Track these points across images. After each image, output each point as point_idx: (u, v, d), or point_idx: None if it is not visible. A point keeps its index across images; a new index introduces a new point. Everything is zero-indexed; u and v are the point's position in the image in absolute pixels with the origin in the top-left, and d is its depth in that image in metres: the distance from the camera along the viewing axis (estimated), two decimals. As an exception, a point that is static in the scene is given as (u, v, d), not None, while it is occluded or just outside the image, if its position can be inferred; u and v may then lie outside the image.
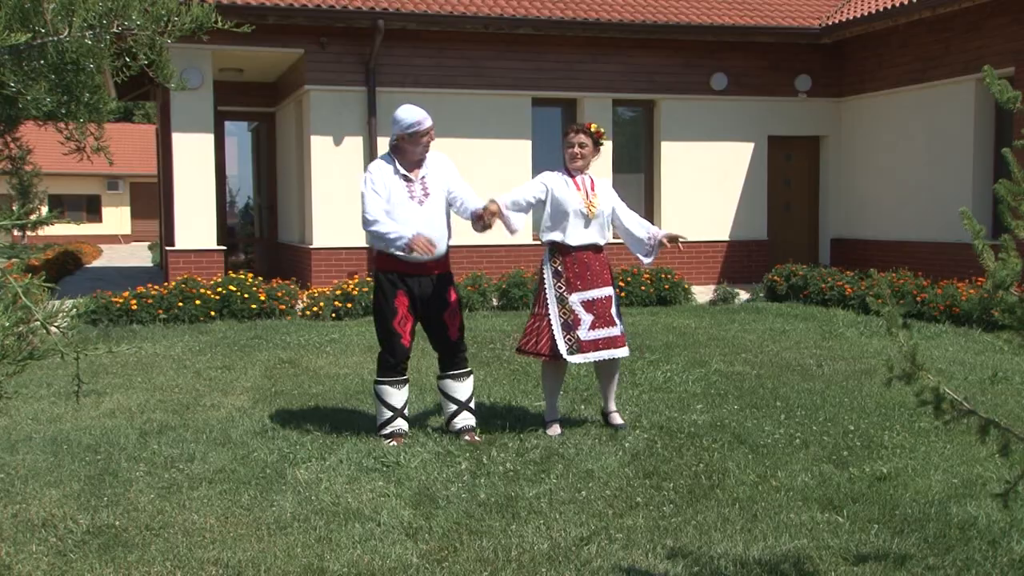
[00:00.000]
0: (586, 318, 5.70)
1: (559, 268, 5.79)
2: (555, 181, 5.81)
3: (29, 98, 3.34)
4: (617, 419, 5.98)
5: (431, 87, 13.89)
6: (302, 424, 6.15)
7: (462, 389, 5.82)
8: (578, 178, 5.81)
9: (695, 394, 7.03)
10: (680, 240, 5.95)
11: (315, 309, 11.61)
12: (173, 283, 11.63)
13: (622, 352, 5.82)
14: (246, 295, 11.42)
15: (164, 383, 7.60)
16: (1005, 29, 12.62)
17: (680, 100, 15.19)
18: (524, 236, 12.77)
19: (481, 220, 5.55)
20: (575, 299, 5.71)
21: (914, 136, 14.32)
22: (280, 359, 8.67)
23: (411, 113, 5.55)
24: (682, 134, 15.23)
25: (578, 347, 5.68)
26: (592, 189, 5.80)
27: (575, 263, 5.76)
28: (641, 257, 6.02)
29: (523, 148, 14.44)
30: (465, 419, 5.79)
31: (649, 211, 15.36)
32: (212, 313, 11.26)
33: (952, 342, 9.50)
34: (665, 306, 12.78)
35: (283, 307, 11.62)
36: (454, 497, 4.63)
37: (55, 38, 2.96)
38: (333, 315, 11.53)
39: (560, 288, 5.76)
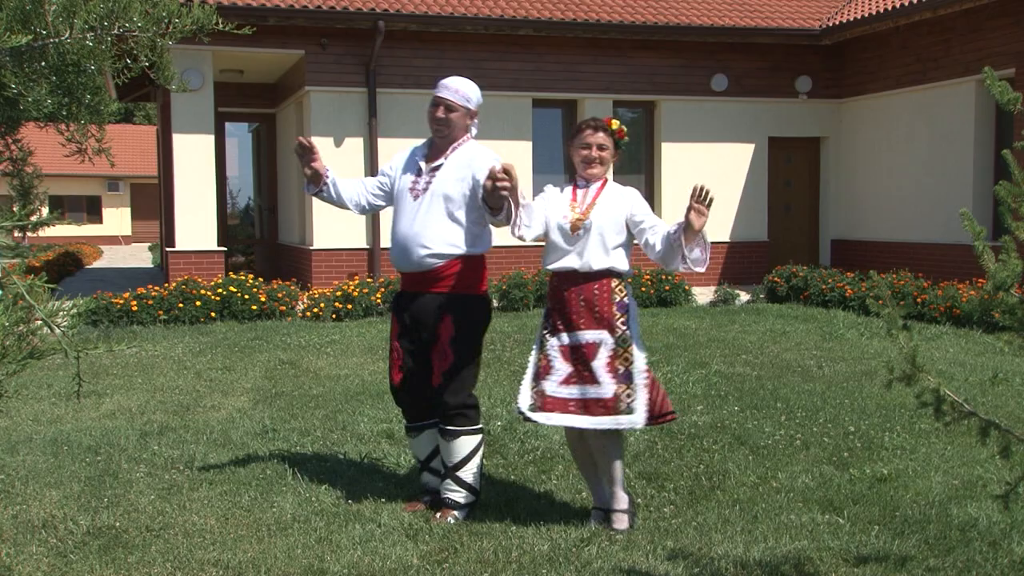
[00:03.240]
0: (560, 368, 4.19)
1: (548, 303, 4.38)
2: (552, 190, 4.43)
3: (30, 100, 3.35)
4: (619, 520, 4.25)
5: (431, 88, 13.81)
6: (302, 425, 6.15)
7: (449, 451, 4.40)
8: (581, 188, 4.35)
9: (695, 395, 7.03)
10: (700, 197, 4.22)
11: (315, 310, 11.61)
12: (173, 284, 11.64)
13: (600, 423, 4.12)
14: (246, 296, 11.42)
15: (164, 384, 7.60)
16: (1006, 30, 12.62)
17: (680, 101, 15.19)
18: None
19: (493, 186, 4.05)
20: (553, 342, 4.24)
21: (914, 137, 14.32)
22: (280, 360, 8.67)
23: (447, 80, 4.59)
24: (682, 135, 15.23)
25: (540, 403, 4.20)
26: (594, 199, 4.29)
27: (555, 295, 4.30)
28: (688, 266, 4.24)
29: (524, 149, 14.43)
30: (447, 489, 4.42)
31: (649, 212, 15.34)
32: (212, 314, 11.27)
33: (952, 343, 9.50)
34: (665, 307, 12.78)
35: (283, 308, 11.62)
36: (454, 498, 4.63)
37: (56, 40, 2.97)
38: (333, 316, 11.53)
39: (545, 328, 4.32)
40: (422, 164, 4.48)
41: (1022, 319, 2.80)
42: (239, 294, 11.42)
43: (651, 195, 15.37)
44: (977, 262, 2.88)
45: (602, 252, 4.22)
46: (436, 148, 4.50)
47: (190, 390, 7.38)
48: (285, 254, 16.42)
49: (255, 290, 11.55)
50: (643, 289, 12.86)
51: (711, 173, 15.34)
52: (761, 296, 13.63)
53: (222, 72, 15.16)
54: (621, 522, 4.23)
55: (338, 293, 11.80)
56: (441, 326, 4.34)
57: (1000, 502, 3.32)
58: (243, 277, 11.88)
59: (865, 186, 15.41)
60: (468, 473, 4.39)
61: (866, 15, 14.29)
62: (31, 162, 4.20)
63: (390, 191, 4.63)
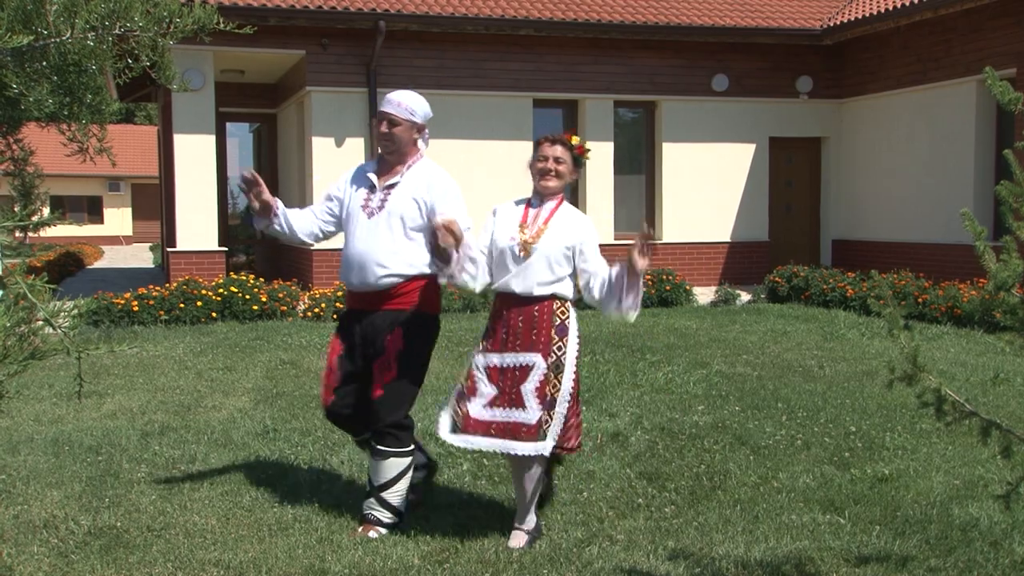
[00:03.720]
0: (485, 389, 4.11)
1: (488, 321, 4.32)
2: (503, 208, 4.33)
3: (31, 100, 3.35)
4: (516, 539, 4.12)
5: (432, 88, 13.88)
6: (303, 425, 6.15)
7: (376, 470, 4.26)
8: (534, 207, 4.24)
9: (696, 395, 7.03)
10: (645, 238, 4.07)
11: (316, 310, 11.61)
12: (174, 284, 11.64)
13: (523, 447, 4.00)
14: (247, 296, 11.42)
15: (165, 384, 7.61)
16: (1007, 30, 12.61)
17: (681, 101, 15.19)
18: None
19: (435, 239, 4.01)
20: (479, 361, 4.17)
21: (915, 137, 14.32)
22: (281, 360, 8.67)
23: (392, 93, 4.37)
24: (683, 135, 15.23)
25: (462, 424, 4.11)
26: (545, 221, 4.18)
27: (497, 315, 4.23)
28: (621, 311, 4.20)
29: (524, 149, 14.40)
30: (370, 507, 4.29)
31: (650, 213, 15.36)
32: (213, 314, 11.27)
33: (953, 343, 9.49)
34: (666, 307, 12.78)
35: (284, 308, 11.62)
36: (455, 498, 4.63)
37: (57, 40, 2.97)
38: (334, 316, 11.53)
39: (477, 347, 4.27)
40: (375, 180, 4.34)
41: (1023, 319, 2.80)
42: (240, 294, 11.42)
43: (652, 195, 15.37)
44: (978, 262, 2.88)
45: (546, 278, 4.13)
46: (387, 164, 4.36)
47: (191, 390, 7.38)
48: (286, 254, 16.42)
49: (256, 290, 11.55)
50: (644, 289, 12.84)
51: (712, 173, 15.36)
52: (762, 296, 13.63)
53: (223, 72, 15.17)
54: (518, 540, 4.12)
55: (339, 293, 11.79)
56: (390, 338, 4.21)
57: (1001, 502, 3.32)
58: (244, 277, 11.89)
59: (866, 186, 15.41)
60: (394, 495, 4.24)
61: (867, 15, 14.29)
62: (32, 162, 4.20)
63: (339, 214, 4.47)
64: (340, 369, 4.33)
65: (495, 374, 4.11)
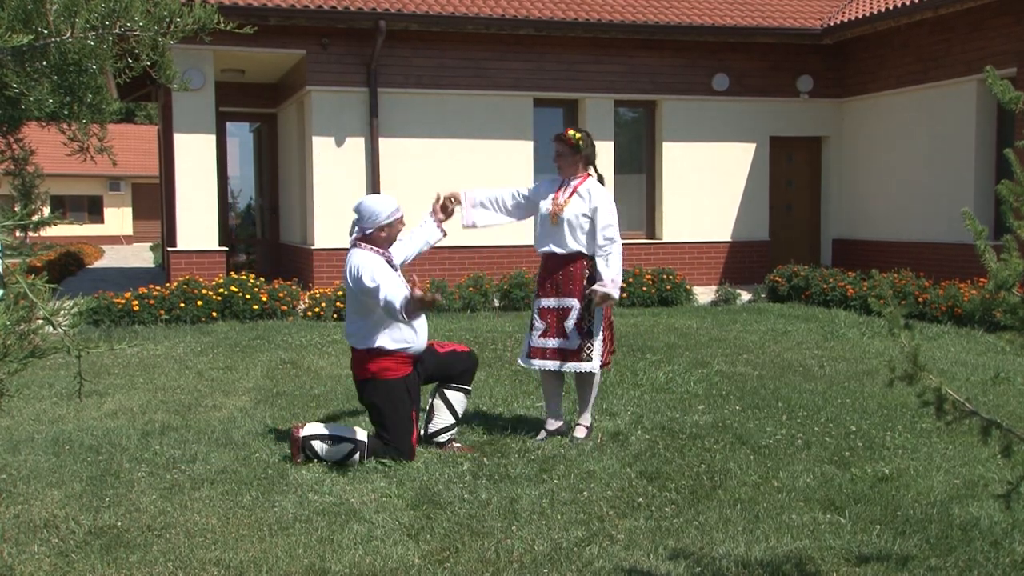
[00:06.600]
0: (539, 324, 5.67)
1: (538, 274, 5.84)
2: (545, 183, 5.88)
3: (32, 99, 3.34)
4: (579, 431, 5.75)
5: (432, 88, 13.89)
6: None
7: (464, 406, 5.72)
8: (565, 184, 5.75)
9: (697, 395, 7.03)
10: (602, 298, 5.58)
11: (316, 310, 11.61)
12: (175, 284, 11.64)
13: (571, 366, 5.59)
14: (248, 296, 11.43)
15: (166, 384, 7.61)
16: (1007, 29, 12.61)
17: (682, 101, 15.19)
18: (526, 236, 12.77)
19: (438, 208, 5.74)
20: (537, 304, 5.74)
21: (916, 137, 14.31)
22: (282, 360, 8.67)
23: (387, 203, 5.31)
24: (684, 135, 15.23)
25: (528, 352, 5.72)
26: (569, 195, 5.67)
27: (542, 268, 5.78)
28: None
29: (525, 149, 14.44)
30: (456, 433, 5.71)
31: (651, 212, 15.37)
32: (214, 314, 11.27)
33: (954, 343, 9.49)
34: (667, 307, 12.78)
35: (285, 308, 11.63)
36: (456, 498, 4.64)
37: (58, 39, 2.97)
38: (335, 316, 11.54)
39: (535, 293, 5.81)
40: (390, 260, 5.49)
41: (1023, 318, 2.80)
42: (240, 294, 11.42)
43: (652, 194, 15.37)
44: (979, 261, 2.87)
45: (572, 239, 5.63)
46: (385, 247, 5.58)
47: (191, 390, 7.38)
48: (286, 254, 16.42)
49: (256, 290, 11.55)
50: (644, 289, 12.86)
51: (712, 173, 15.36)
52: (762, 296, 13.63)
53: (223, 72, 15.17)
54: (580, 431, 5.72)
55: (339, 292, 11.80)
56: (431, 344, 5.67)
57: (1002, 501, 3.32)
58: (244, 277, 11.89)
59: (866, 185, 15.41)
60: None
61: (867, 14, 14.28)
62: (33, 161, 4.21)
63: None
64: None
65: (545, 313, 5.66)
